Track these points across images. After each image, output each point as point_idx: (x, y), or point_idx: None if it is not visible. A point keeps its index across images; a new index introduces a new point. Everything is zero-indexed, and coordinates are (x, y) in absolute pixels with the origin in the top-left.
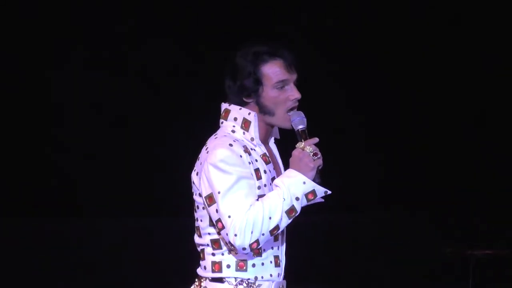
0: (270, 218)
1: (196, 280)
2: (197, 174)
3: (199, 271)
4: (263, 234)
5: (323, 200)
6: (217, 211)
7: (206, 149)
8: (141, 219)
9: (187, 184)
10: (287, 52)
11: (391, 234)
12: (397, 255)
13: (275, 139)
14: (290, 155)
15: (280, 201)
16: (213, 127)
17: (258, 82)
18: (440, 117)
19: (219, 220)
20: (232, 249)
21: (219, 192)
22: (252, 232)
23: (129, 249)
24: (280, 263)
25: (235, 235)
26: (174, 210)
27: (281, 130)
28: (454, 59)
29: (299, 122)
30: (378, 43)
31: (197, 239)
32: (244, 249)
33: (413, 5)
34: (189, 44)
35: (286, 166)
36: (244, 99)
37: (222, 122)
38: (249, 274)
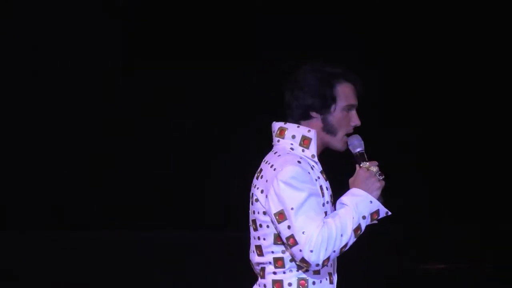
0: (341, 235)
1: None
2: (261, 192)
3: None
4: (334, 251)
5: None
6: (289, 227)
7: (272, 167)
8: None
9: None
10: (358, 79)
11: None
12: (353, 269)
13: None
14: (347, 174)
15: (350, 219)
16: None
17: (333, 99)
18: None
19: (291, 236)
20: (304, 265)
21: (292, 209)
22: (326, 249)
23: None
24: (333, 280)
25: (311, 251)
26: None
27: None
28: None
29: (358, 145)
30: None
31: (257, 258)
32: (317, 265)
33: None
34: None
35: (344, 185)
36: (311, 114)
37: (278, 140)
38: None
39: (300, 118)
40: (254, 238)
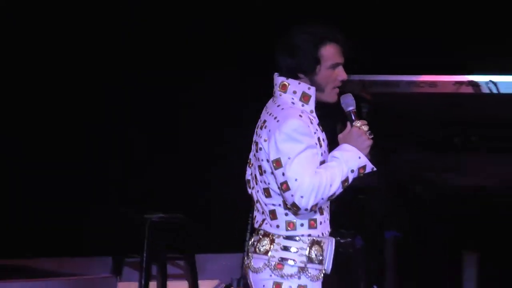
0: (331, 185)
1: (263, 236)
2: (265, 140)
3: (269, 228)
4: (322, 199)
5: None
6: (283, 174)
7: (275, 119)
8: None
9: None
10: (343, 39)
11: None
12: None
13: None
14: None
15: (339, 172)
16: None
17: (317, 61)
18: None
19: (284, 182)
20: (294, 209)
21: (289, 158)
22: (315, 196)
23: None
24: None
25: (301, 196)
26: None
27: None
28: None
29: (351, 104)
30: None
31: (265, 199)
32: (306, 209)
33: None
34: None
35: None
36: (299, 75)
37: (280, 94)
38: (318, 231)
39: (289, 77)
40: (261, 182)
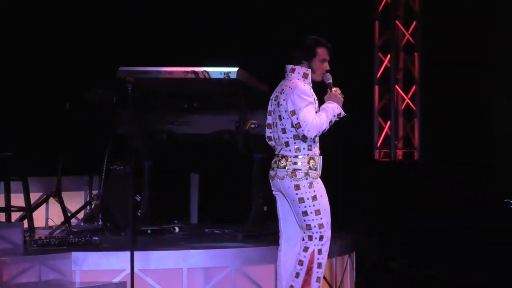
0: (323, 124)
1: (281, 158)
2: (284, 99)
3: (285, 152)
4: (319, 131)
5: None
6: (297, 118)
7: (290, 88)
8: None
9: None
10: (330, 45)
11: None
12: None
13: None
14: (325, 94)
15: (327, 117)
16: None
17: (314, 55)
18: None
19: (298, 123)
20: (304, 139)
21: (299, 109)
22: (316, 130)
23: None
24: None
25: (308, 130)
26: None
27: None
28: None
29: (329, 78)
30: None
31: (282, 135)
32: (311, 138)
33: None
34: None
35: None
36: (303, 61)
37: (291, 75)
38: (312, 152)
39: (297, 63)
40: (280, 124)
